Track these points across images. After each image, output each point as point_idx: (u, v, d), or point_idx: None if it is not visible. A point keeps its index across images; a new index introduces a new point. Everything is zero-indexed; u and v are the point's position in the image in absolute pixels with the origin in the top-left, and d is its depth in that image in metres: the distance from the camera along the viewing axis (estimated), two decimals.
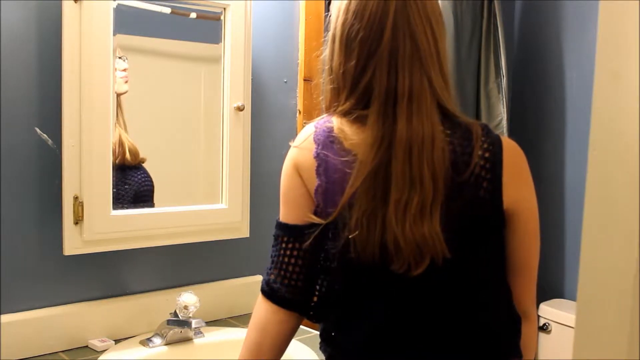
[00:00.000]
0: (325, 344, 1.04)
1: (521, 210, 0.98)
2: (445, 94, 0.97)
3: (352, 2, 0.97)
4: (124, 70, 1.54)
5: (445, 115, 0.97)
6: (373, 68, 0.95)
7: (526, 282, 1.04)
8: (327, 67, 1.01)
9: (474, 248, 0.96)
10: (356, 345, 0.99)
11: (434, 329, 0.96)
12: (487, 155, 0.95)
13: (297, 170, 1.01)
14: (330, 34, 1.01)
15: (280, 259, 1.03)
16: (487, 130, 0.98)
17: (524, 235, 1.01)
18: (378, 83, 0.95)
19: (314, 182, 0.99)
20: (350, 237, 0.93)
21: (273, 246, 1.05)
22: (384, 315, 0.97)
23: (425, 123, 0.93)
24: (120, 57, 1.53)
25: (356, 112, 0.97)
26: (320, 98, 1.05)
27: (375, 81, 0.95)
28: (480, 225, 0.96)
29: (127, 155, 1.55)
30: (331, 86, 1.01)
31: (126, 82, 1.55)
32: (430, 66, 0.95)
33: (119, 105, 1.54)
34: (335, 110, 1.00)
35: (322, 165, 0.98)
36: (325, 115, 1.03)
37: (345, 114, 0.98)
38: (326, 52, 1.02)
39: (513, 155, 0.98)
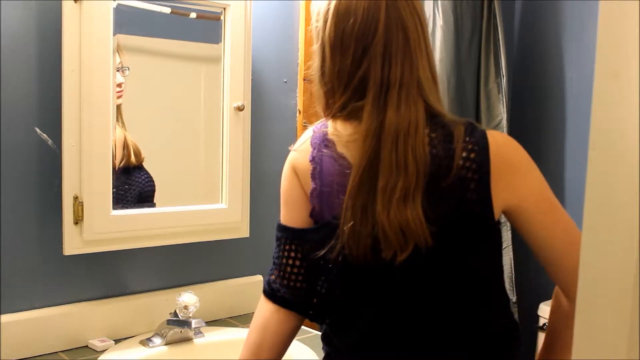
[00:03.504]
0: (324, 344, 1.05)
1: (526, 202, 0.95)
2: (430, 86, 0.98)
3: (341, 3, 0.97)
4: (120, 85, 1.53)
5: (430, 113, 0.97)
6: (368, 61, 0.96)
7: (571, 270, 0.92)
8: (319, 74, 1.01)
9: (463, 247, 0.95)
10: (352, 345, 1.00)
11: (425, 328, 0.96)
12: (472, 156, 0.93)
13: (295, 172, 1.03)
14: (319, 43, 1.00)
15: (281, 260, 1.05)
16: (470, 130, 0.96)
17: (546, 228, 0.95)
18: (373, 74, 0.95)
19: (309, 185, 1.00)
20: (344, 231, 0.94)
21: (275, 247, 1.06)
22: (377, 315, 0.97)
23: (412, 110, 0.94)
24: (119, 70, 1.52)
25: (351, 105, 0.97)
26: (316, 109, 1.05)
27: (370, 73, 0.95)
28: (468, 226, 0.94)
29: (132, 157, 1.56)
30: (325, 88, 1.01)
31: (120, 97, 1.54)
32: (419, 58, 0.97)
33: (118, 105, 1.54)
34: (331, 110, 1.00)
35: (317, 168, 0.99)
36: (323, 119, 1.04)
37: (340, 110, 0.98)
38: (316, 62, 1.02)
39: (502, 150, 0.95)
